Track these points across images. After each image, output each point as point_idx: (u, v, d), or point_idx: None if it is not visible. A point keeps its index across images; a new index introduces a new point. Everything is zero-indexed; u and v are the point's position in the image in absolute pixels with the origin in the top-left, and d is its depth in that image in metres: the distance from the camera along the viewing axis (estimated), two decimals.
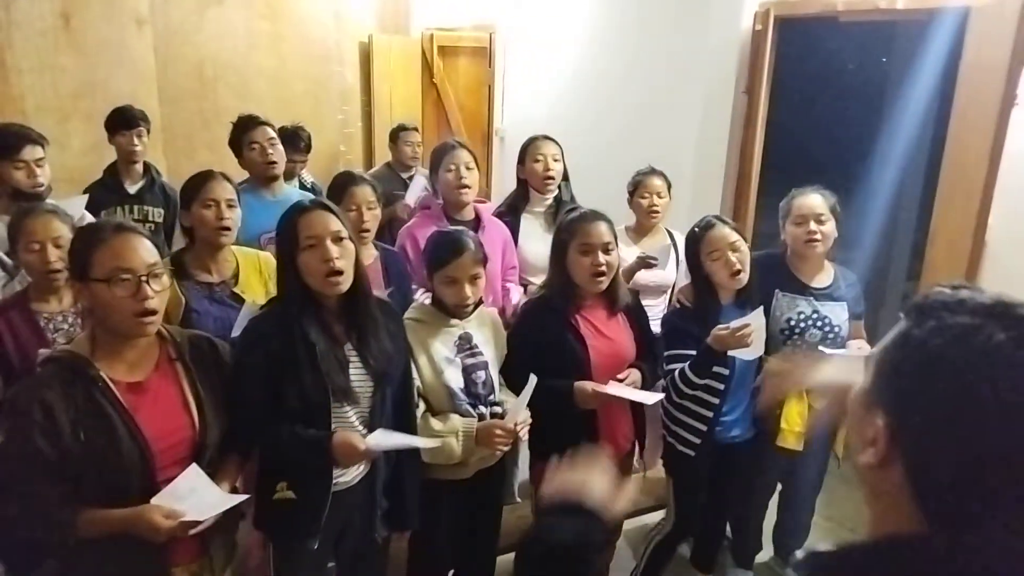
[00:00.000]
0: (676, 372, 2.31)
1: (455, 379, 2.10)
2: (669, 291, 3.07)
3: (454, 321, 2.15)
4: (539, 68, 4.74)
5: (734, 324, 2.16)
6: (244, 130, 3.01)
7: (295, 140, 3.78)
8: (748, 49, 3.43)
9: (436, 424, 2.06)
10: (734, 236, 2.34)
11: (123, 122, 3.31)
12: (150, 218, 3.36)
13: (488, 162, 5.44)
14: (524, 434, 2.12)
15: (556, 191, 3.08)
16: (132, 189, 3.35)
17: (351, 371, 1.83)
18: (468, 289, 2.08)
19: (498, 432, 2.04)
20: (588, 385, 2.18)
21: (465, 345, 2.15)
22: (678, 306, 2.49)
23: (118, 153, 3.35)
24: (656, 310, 2.90)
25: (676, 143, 3.63)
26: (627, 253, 2.95)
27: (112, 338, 1.58)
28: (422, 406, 2.08)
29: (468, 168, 2.82)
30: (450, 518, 2.19)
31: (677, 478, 2.54)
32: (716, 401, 2.36)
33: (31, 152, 2.63)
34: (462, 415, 2.09)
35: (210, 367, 1.73)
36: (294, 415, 1.78)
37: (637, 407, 2.39)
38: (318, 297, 1.79)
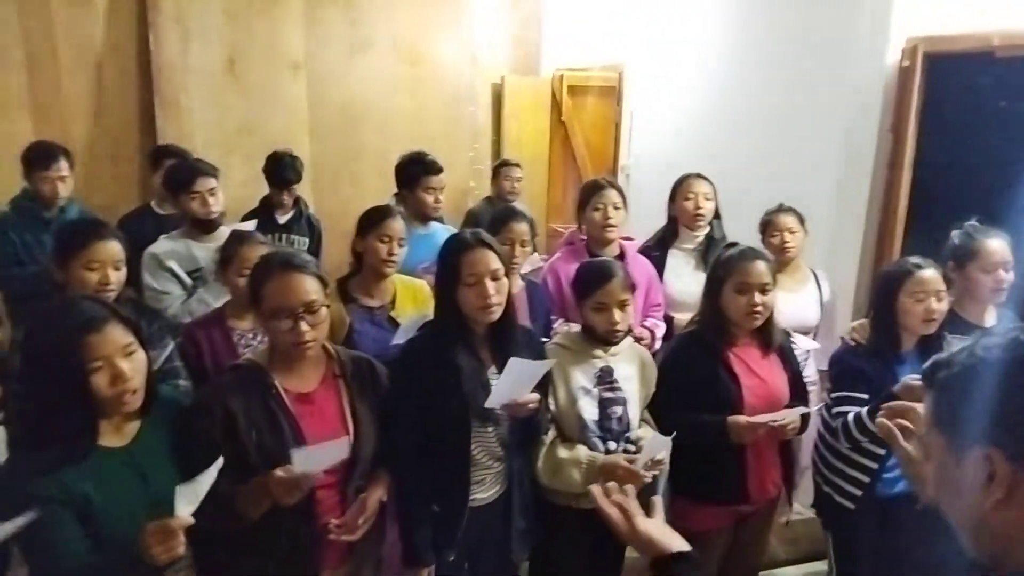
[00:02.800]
0: (851, 417, 2.18)
1: (589, 410, 2.11)
2: (812, 334, 2.95)
3: (599, 352, 2.17)
4: (669, 106, 4.73)
5: None
6: (421, 172, 3.16)
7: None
8: (894, 86, 3.28)
9: (562, 451, 2.08)
10: (942, 285, 2.23)
11: (278, 180, 3.57)
12: (296, 246, 3.62)
13: None
14: (649, 479, 2.06)
15: (707, 228, 3.06)
16: (282, 219, 3.63)
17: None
18: (617, 314, 2.11)
19: (622, 472, 2.01)
20: (742, 419, 2.12)
21: (606, 378, 2.15)
22: (852, 343, 2.37)
23: (272, 199, 3.63)
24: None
25: (813, 182, 3.51)
26: None
27: (286, 353, 1.74)
28: (552, 432, 2.11)
29: (616, 208, 2.85)
30: (571, 547, 2.18)
31: (836, 532, 2.40)
32: (882, 452, 2.22)
33: (203, 183, 2.89)
34: (590, 448, 2.09)
35: (368, 386, 1.85)
36: (438, 434, 1.88)
37: (787, 453, 2.32)
38: (470, 324, 1.91)
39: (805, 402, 2.33)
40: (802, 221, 2.96)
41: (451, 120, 5.39)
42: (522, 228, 2.67)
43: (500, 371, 1.92)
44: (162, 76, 4.50)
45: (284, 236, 3.61)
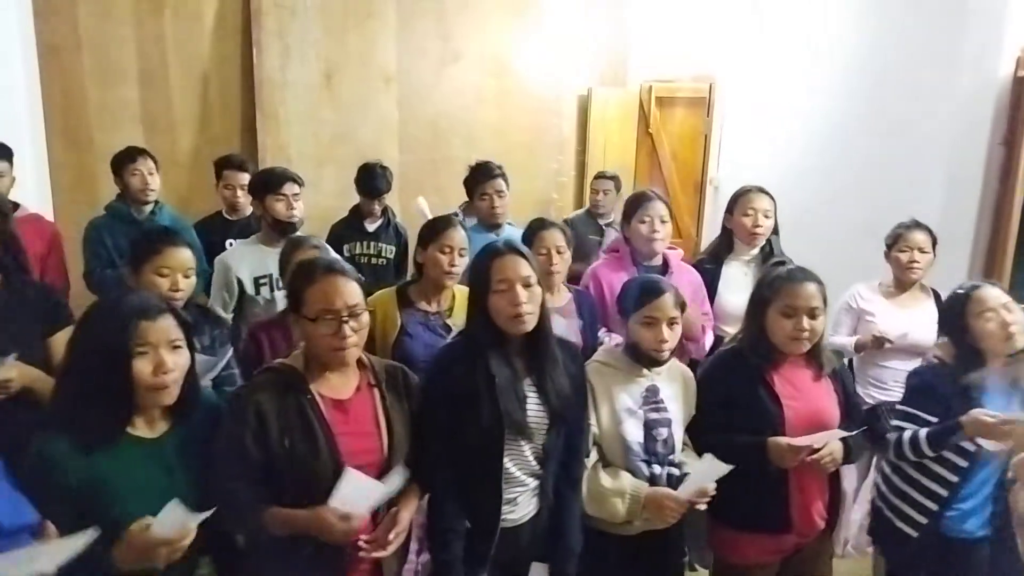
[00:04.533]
0: (906, 434, 2.08)
1: (634, 433, 2.03)
2: (924, 356, 2.81)
3: (643, 371, 2.09)
4: (761, 117, 4.61)
5: (1003, 416, 1.92)
6: (479, 179, 3.24)
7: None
8: (1006, 96, 3.10)
9: (605, 480, 2.00)
10: (1006, 297, 2.12)
11: (369, 190, 3.65)
12: (383, 254, 3.71)
13: (700, 211, 5.36)
14: (702, 506, 1.99)
15: (763, 244, 2.97)
16: (371, 228, 3.72)
17: (528, 406, 1.85)
18: (666, 331, 2.03)
19: (669, 504, 1.94)
20: (784, 440, 2.00)
21: (651, 398, 2.07)
22: (935, 361, 2.25)
23: (363, 207, 3.72)
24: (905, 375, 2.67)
25: (917, 198, 3.34)
26: (882, 310, 2.77)
27: (323, 359, 1.72)
28: (594, 454, 2.04)
29: (662, 221, 2.79)
30: (611, 573, 2.09)
31: (891, 559, 2.26)
32: (956, 480, 2.09)
33: (289, 188, 3.02)
34: (634, 472, 2.01)
35: (402, 397, 1.82)
36: (470, 446, 1.82)
37: (835, 483, 2.19)
38: (503, 333, 1.84)
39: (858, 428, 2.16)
40: (934, 242, 2.83)
41: (535, 131, 5.42)
42: (555, 236, 2.62)
43: (535, 383, 1.87)
44: (263, 90, 4.72)
45: (372, 244, 3.70)
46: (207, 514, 1.47)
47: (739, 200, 2.95)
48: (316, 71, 4.85)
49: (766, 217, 2.89)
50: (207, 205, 4.01)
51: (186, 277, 2.18)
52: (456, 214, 3.26)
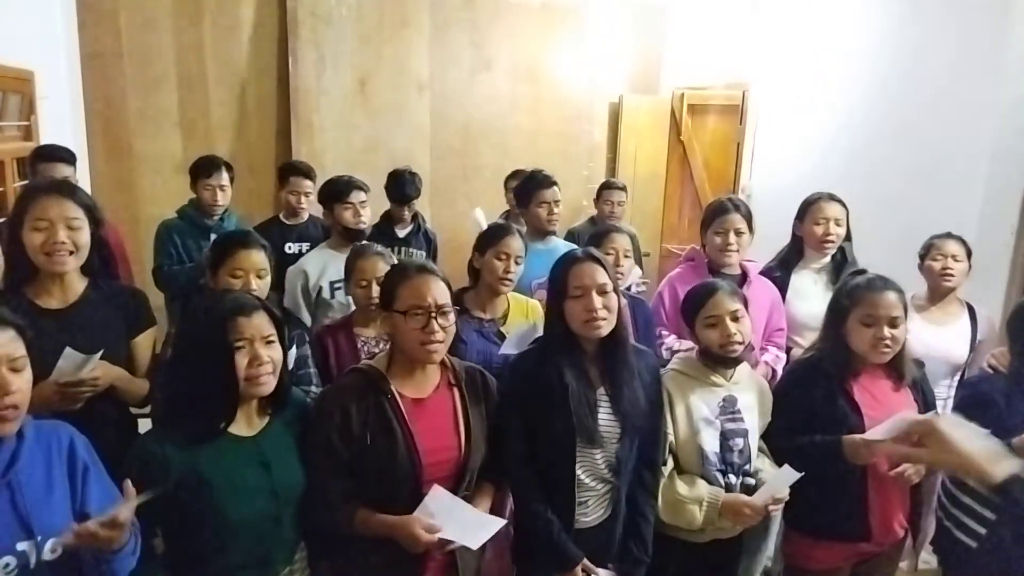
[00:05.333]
0: None
1: (710, 442, 2.04)
2: (960, 373, 2.75)
3: (720, 380, 2.10)
4: (795, 125, 4.55)
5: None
6: (535, 187, 3.24)
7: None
8: None
9: (681, 488, 2.01)
10: None
11: (399, 196, 3.67)
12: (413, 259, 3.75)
13: None
14: (776, 514, 2.01)
15: (835, 251, 2.93)
16: (401, 233, 3.75)
17: (600, 415, 1.88)
18: (732, 326, 2.04)
19: (747, 511, 1.95)
20: (859, 436, 1.98)
21: (729, 408, 2.07)
22: (989, 371, 2.20)
23: (392, 214, 3.75)
24: (939, 390, 2.61)
25: (955, 209, 3.27)
26: (914, 327, 2.71)
27: (406, 360, 1.80)
28: (670, 463, 2.05)
29: (739, 233, 2.77)
30: None
31: (952, 572, 2.21)
32: None
33: (356, 196, 3.15)
34: (710, 482, 2.02)
35: (480, 399, 1.88)
36: (543, 452, 1.86)
37: (917, 490, 2.17)
38: (579, 341, 1.89)
39: None
40: (969, 253, 2.78)
41: (567, 138, 5.42)
42: (623, 241, 2.67)
43: (608, 392, 1.89)
44: (299, 97, 4.80)
45: (403, 249, 3.73)
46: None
47: (810, 208, 2.92)
48: (350, 79, 4.91)
49: (838, 225, 2.87)
50: (242, 210, 4.08)
51: (259, 278, 2.25)
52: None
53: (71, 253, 1.92)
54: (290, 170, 3.84)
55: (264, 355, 1.62)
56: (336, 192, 3.18)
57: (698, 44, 5.44)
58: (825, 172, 4.13)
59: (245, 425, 1.68)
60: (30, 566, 1.37)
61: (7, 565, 1.35)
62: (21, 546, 1.36)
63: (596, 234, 2.74)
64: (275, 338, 1.66)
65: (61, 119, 4.06)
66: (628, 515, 1.97)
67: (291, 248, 3.59)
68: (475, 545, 1.67)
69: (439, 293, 1.77)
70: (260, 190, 4.86)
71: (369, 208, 3.17)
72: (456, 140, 5.20)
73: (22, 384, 1.39)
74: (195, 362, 1.63)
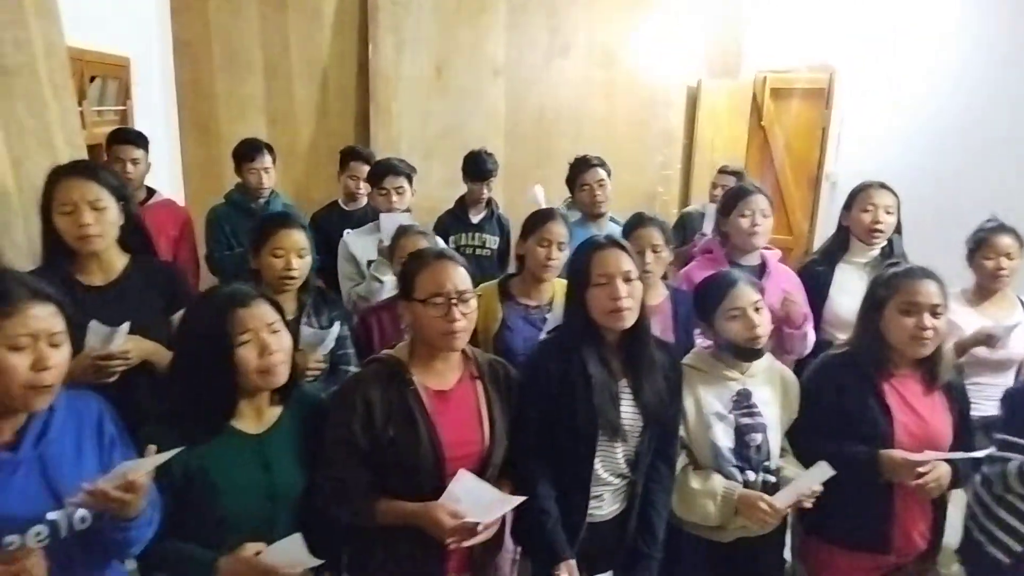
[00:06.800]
0: (1012, 465, 1.92)
1: (723, 437, 1.96)
2: (1015, 369, 2.60)
3: (734, 374, 2.02)
4: (885, 110, 4.35)
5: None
6: (579, 171, 3.24)
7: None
8: None
9: (694, 481, 1.95)
10: None
11: (478, 173, 3.69)
12: (487, 245, 3.76)
13: (815, 208, 5.13)
14: (808, 504, 1.90)
15: (884, 243, 2.79)
16: (475, 219, 3.78)
17: (622, 407, 1.83)
18: (755, 317, 1.95)
19: (763, 508, 1.85)
20: (897, 453, 1.89)
21: (743, 402, 1.99)
22: None
23: (469, 195, 3.78)
24: (994, 390, 2.46)
25: None
26: (966, 320, 2.58)
27: (427, 349, 1.76)
28: (683, 458, 1.99)
29: (764, 216, 2.67)
30: None
31: None
32: None
33: (392, 182, 3.17)
34: (728, 477, 1.94)
35: (503, 391, 1.84)
36: (562, 444, 1.81)
37: (940, 504, 2.06)
38: (600, 331, 1.82)
39: (970, 450, 2.00)
40: (1022, 245, 2.60)
41: (642, 124, 5.33)
42: (652, 233, 2.51)
43: (631, 384, 1.83)
44: (377, 84, 4.87)
45: (477, 235, 3.76)
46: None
47: (858, 195, 2.77)
48: (427, 64, 4.95)
49: (888, 213, 2.71)
50: (323, 195, 4.19)
51: (300, 257, 2.28)
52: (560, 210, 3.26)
53: (99, 235, 1.96)
54: (350, 155, 3.89)
55: (273, 343, 1.58)
56: (376, 176, 3.20)
57: (781, 26, 5.24)
58: (916, 160, 3.93)
59: (254, 420, 1.66)
60: (60, 535, 1.38)
61: (39, 534, 1.36)
62: (52, 515, 1.38)
63: (624, 227, 2.64)
64: (280, 325, 1.63)
65: (154, 104, 4.25)
66: (640, 509, 1.91)
67: (348, 233, 3.58)
68: (489, 519, 1.63)
69: (459, 279, 1.72)
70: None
71: (409, 192, 3.19)
72: (531, 125, 5.18)
73: (59, 360, 1.38)
74: (195, 359, 1.59)
